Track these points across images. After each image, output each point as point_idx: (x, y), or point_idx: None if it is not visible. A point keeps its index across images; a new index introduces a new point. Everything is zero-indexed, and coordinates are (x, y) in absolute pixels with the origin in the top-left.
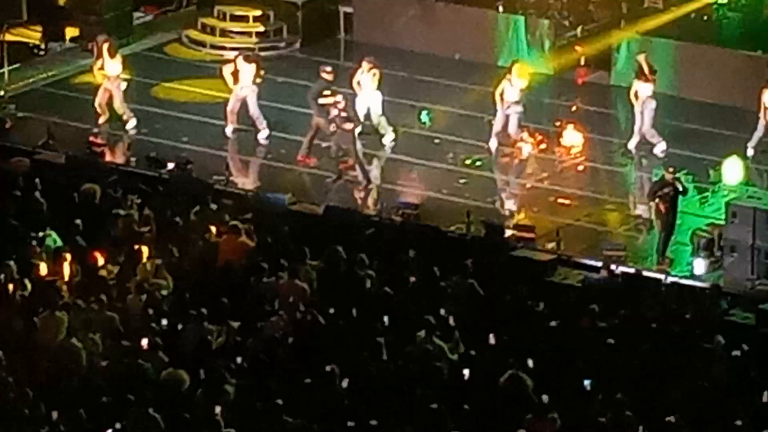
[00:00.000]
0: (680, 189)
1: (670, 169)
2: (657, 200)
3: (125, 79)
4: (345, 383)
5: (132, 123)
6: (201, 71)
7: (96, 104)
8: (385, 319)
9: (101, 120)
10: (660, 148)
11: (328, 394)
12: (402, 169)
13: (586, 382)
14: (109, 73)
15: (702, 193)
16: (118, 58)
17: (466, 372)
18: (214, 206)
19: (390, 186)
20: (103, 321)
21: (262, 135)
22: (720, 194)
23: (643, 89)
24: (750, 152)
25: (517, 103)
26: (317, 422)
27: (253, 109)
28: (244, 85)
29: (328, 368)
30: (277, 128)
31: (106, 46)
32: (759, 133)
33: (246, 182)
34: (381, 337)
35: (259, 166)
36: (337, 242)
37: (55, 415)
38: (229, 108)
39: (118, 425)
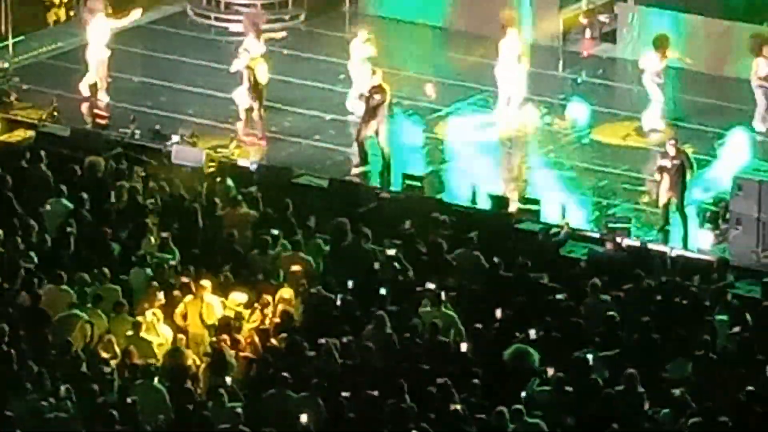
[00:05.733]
0: (686, 165)
1: (672, 142)
2: (660, 173)
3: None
4: (348, 356)
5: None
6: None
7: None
8: (390, 291)
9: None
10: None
11: (330, 367)
12: (404, 142)
13: (589, 356)
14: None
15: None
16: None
17: (471, 345)
18: (218, 179)
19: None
20: (108, 294)
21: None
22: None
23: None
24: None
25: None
26: (320, 395)
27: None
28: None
29: (322, 341)
30: (281, 101)
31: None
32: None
33: (251, 155)
34: (384, 310)
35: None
36: (341, 215)
37: (62, 390)
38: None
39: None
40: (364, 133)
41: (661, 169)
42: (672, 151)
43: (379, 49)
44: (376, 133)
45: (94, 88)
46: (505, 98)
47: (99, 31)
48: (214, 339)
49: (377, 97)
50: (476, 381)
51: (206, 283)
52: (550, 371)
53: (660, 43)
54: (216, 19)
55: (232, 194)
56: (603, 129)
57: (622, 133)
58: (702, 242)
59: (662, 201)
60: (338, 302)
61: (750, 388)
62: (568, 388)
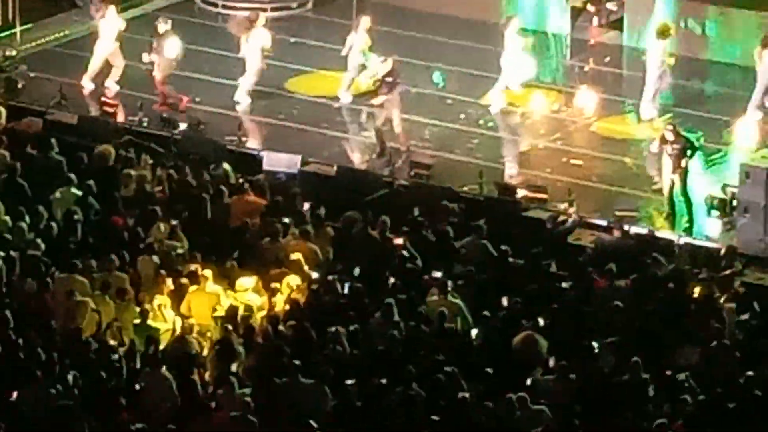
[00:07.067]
0: (688, 148)
1: (669, 127)
2: (661, 159)
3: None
4: (357, 344)
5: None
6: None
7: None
8: (398, 280)
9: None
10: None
11: (339, 355)
12: (414, 130)
13: (595, 344)
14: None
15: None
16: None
17: (479, 333)
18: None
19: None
20: (115, 282)
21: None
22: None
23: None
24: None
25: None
26: (329, 383)
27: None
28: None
29: (332, 329)
30: (289, 89)
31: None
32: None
33: (258, 142)
34: (392, 297)
35: (271, 126)
36: (349, 203)
37: (70, 377)
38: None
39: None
40: (380, 121)
41: (662, 155)
42: (670, 137)
43: (384, 36)
44: (390, 120)
45: (103, 76)
46: (508, 85)
47: (110, 25)
48: (221, 328)
49: (389, 82)
50: (484, 369)
51: (211, 272)
52: (557, 359)
53: (662, 32)
54: (223, 6)
55: (232, 181)
56: (610, 117)
57: (628, 120)
58: (710, 230)
59: (665, 187)
60: (346, 290)
61: (753, 373)
62: (572, 376)
